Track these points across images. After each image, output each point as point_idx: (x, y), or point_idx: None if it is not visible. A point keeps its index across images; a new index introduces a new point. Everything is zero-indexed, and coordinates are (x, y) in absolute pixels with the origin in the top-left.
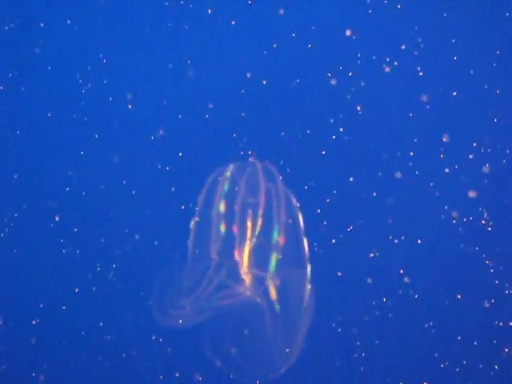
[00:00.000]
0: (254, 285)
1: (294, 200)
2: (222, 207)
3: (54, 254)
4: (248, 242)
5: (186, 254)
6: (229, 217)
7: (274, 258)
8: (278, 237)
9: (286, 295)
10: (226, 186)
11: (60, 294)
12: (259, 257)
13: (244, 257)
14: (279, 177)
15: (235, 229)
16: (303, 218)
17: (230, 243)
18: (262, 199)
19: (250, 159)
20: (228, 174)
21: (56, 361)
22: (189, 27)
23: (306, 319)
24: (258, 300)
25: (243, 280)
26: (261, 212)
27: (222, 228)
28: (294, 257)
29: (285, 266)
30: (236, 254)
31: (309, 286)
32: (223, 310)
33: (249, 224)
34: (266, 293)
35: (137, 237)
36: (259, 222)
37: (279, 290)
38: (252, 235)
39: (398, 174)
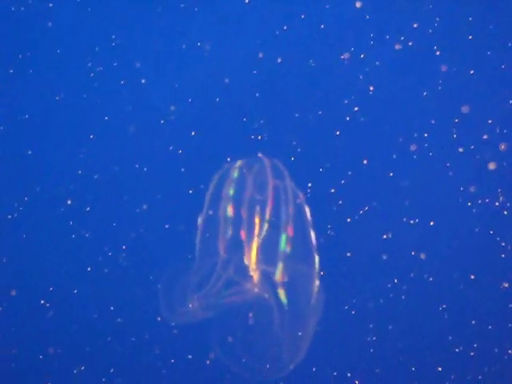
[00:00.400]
0: (262, 281)
1: (301, 196)
2: (229, 204)
3: (65, 238)
4: (256, 239)
5: (196, 238)
6: (236, 214)
7: (282, 254)
8: (285, 233)
9: (294, 291)
10: (234, 183)
11: (71, 277)
12: (267, 253)
13: (252, 253)
14: (287, 173)
15: (243, 225)
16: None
17: (237, 240)
18: (270, 196)
19: (258, 155)
20: (236, 170)
21: (67, 344)
22: (200, 8)
23: (315, 315)
24: (267, 296)
25: (251, 276)
26: (269, 209)
27: (230, 225)
28: (302, 252)
29: (293, 261)
30: (244, 250)
31: (317, 282)
32: (231, 307)
33: (256, 221)
34: (275, 289)
35: (147, 221)
36: (267, 218)
37: (287, 286)
38: (260, 232)
39: (413, 155)
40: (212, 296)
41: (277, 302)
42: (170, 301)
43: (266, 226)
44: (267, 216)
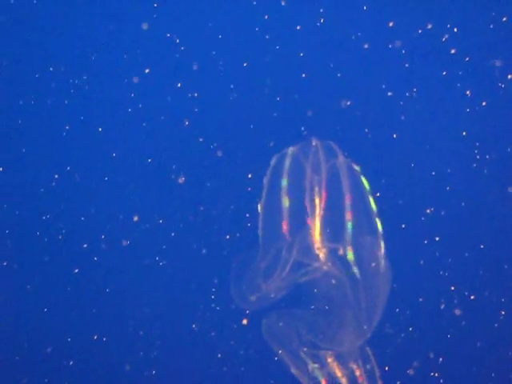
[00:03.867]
0: (329, 259)
1: (358, 171)
2: (287, 187)
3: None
4: (317, 218)
5: (258, 225)
6: (296, 196)
7: (346, 230)
8: (347, 209)
9: (362, 264)
10: (290, 167)
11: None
12: (331, 231)
13: (315, 233)
14: (341, 152)
15: (304, 206)
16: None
17: (299, 221)
18: (325, 177)
19: (312, 142)
20: (290, 154)
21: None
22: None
23: (386, 282)
24: (336, 273)
25: (318, 256)
26: (325, 189)
27: (290, 207)
28: (365, 224)
29: (357, 233)
30: (307, 231)
31: (383, 251)
32: (302, 288)
33: (317, 201)
34: (343, 264)
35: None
36: (325, 198)
37: (355, 260)
38: (320, 211)
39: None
40: (281, 280)
41: (347, 276)
42: (241, 290)
43: (325, 204)
44: (325, 196)
